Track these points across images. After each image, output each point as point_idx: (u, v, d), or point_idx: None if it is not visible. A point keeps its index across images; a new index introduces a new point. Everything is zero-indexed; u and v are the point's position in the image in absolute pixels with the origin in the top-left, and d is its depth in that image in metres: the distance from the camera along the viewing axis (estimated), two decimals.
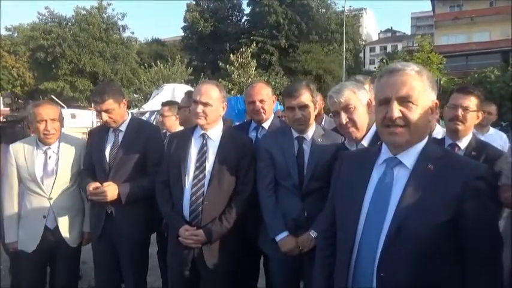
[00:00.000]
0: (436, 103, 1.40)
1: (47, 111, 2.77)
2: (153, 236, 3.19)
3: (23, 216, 2.85)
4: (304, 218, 2.37)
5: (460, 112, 2.36)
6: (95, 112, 16.60)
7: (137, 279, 2.87)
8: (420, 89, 1.35)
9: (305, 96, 2.39)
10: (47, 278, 3.04)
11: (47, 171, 2.82)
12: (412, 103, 1.34)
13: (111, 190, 2.64)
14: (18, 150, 2.84)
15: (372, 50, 64.80)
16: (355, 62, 48.35)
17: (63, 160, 2.85)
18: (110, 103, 2.71)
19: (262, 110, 2.84)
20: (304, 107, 2.39)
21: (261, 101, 2.83)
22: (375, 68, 42.50)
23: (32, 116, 2.79)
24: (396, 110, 1.34)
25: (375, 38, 70.38)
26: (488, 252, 1.28)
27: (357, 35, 50.36)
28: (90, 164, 2.87)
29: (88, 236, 2.95)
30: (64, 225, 2.84)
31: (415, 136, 1.37)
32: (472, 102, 2.37)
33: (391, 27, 74.67)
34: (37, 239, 2.79)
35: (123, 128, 2.83)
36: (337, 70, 38.99)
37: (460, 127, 2.37)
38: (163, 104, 4.23)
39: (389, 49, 59.62)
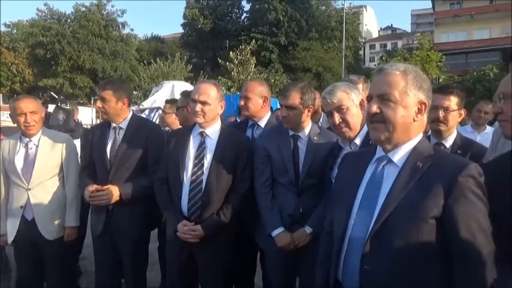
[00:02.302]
0: (424, 103, 1.42)
1: (26, 104, 2.83)
2: (154, 232, 3.24)
3: (8, 208, 2.91)
4: (299, 214, 2.43)
5: (441, 113, 2.35)
6: (94, 109, 16.61)
7: (137, 274, 2.92)
8: (402, 88, 1.38)
9: (293, 98, 2.45)
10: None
11: (27, 162, 2.87)
12: (391, 101, 1.38)
13: (113, 192, 2.69)
14: (5, 145, 2.92)
15: (372, 47, 64.61)
16: (354, 60, 48.34)
17: (43, 152, 2.90)
18: (108, 93, 2.77)
19: (244, 106, 2.89)
20: (291, 107, 2.45)
21: (245, 97, 2.87)
22: (375, 65, 42.42)
23: (12, 110, 2.84)
24: (374, 106, 1.40)
25: (375, 35, 70.18)
26: (475, 249, 1.29)
27: (356, 33, 50.25)
28: (89, 161, 2.91)
29: (70, 231, 2.95)
30: (41, 217, 2.87)
31: (395, 133, 1.41)
32: (452, 101, 2.35)
33: (391, 25, 74.67)
34: (14, 230, 2.85)
35: (123, 125, 2.87)
36: (337, 67, 38.99)
37: (442, 128, 2.37)
38: (166, 102, 4.37)
39: (389, 46, 59.49)
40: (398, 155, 1.44)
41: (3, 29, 35.48)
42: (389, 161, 1.45)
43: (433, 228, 1.31)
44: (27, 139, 2.90)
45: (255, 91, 2.88)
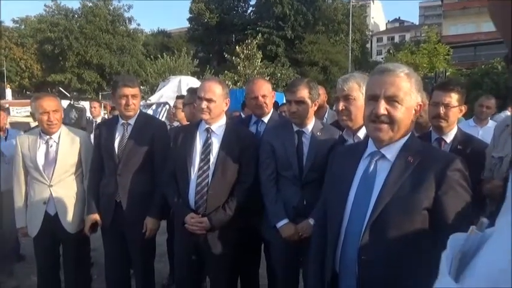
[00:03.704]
0: (420, 105, 1.50)
1: (48, 103, 2.91)
2: (163, 224, 3.32)
3: (29, 203, 3.02)
4: (303, 206, 2.50)
5: (442, 109, 2.38)
6: (102, 104, 16.73)
7: (145, 265, 3.03)
8: (407, 90, 1.45)
9: (302, 93, 2.50)
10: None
11: (48, 159, 2.96)
12: (398, 102, 1.44)
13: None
14: (24, 141, 3.01)
15: (379, 40, 63.80)
16: (361, 53, 47.89)
17: (63, 149, 2.98)
18: (137, 90, 2.93)
19: (264, 105, 2.97)
20: (300, 102, 2.50)
21: (263, 96, 2.96)
22: (382, 58, 42.10)
23: (34, 108, 2.92)
24: (382, 107, 1.45)
25: (382, 28, 69.33)
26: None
27: (363, 26, 49.69)
28: (99, 157, 3.00)
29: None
30: (63, 212, 2.97)
31: (397, 133, 1.48)
32: (453, 98, 2.39)
33: (399, 17, 73.73)
34: (38, 225, 2.95)
35: (131, 121, 2.96)
36: (344, 61, 38.68)
37: (443, 124, 2.41)
38: (177, 97, 4.55)
39: (396, 39, 58.70)
40: (391, 151, 1.50)
41: (11, 24, 35.89)
42: (382, 156, 1.52)
43: (425, 219, 1.39)
44: (48, 136, 2.98)
45: (269, 89, 3.02)
